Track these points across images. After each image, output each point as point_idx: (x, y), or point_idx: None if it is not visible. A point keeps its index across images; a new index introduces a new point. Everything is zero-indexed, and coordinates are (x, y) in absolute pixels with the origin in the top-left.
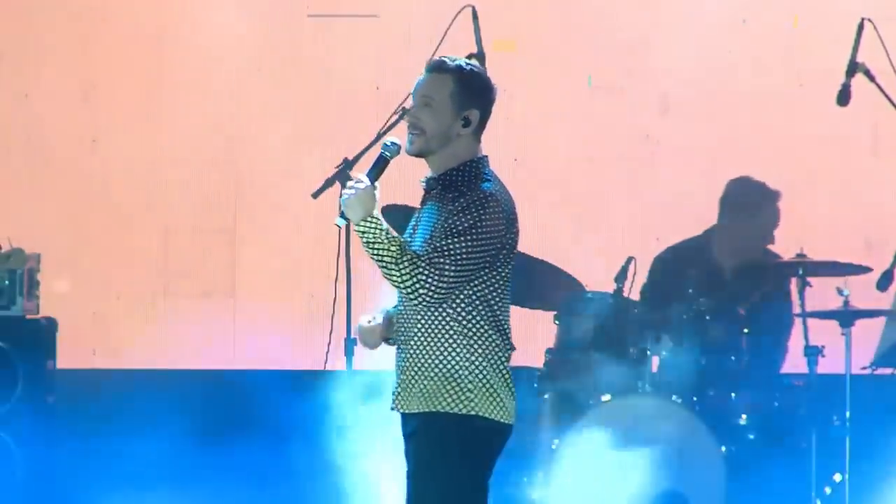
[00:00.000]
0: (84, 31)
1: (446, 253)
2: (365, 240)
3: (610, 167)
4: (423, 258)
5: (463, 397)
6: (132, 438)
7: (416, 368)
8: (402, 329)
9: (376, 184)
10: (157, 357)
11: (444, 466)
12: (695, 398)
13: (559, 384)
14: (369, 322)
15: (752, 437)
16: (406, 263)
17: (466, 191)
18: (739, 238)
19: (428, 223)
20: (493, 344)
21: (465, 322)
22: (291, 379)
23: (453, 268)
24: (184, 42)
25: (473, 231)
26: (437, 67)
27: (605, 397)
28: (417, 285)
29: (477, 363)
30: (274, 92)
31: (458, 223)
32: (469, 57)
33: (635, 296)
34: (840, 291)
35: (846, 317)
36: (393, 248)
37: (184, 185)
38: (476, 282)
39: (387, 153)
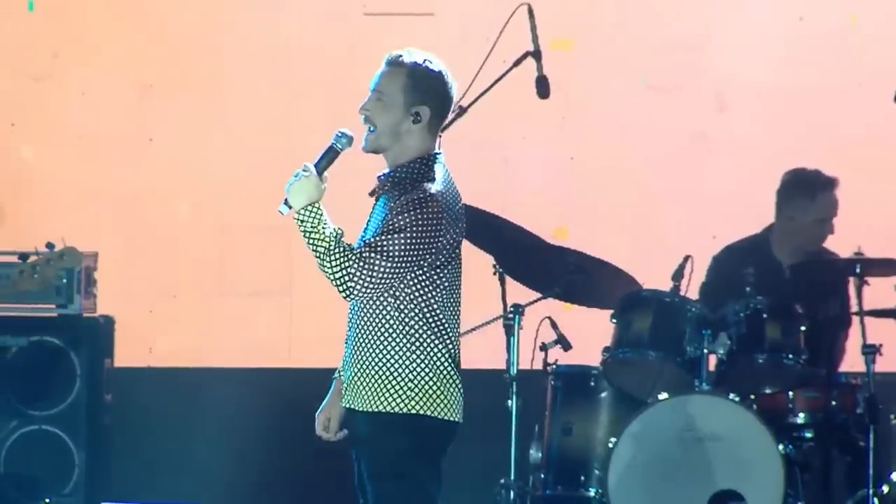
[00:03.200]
0: (140, 30)
1: (378, 249)
2: (302, 229)
3: (666, 165)
4: (354, 253)
5: (404, 396)
6: (189, 437)
7: (359, 366)
8: (350, 327)
9: (325, 175)
10: (213, 355)
11: (398, 466)
12: (752, 397)
13: (616, 383)
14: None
15: (809, 435)
16: (337, 256)
17: (410, 188)
18: (796, 231)
19: (377, 220)
20: (431, 346)
21: (405, 322)
22: None
23: (384, 264)
24: (240, 41)
25: (407, 230)
26: (393, 62)
27: (663, 396)
28: (346, 278)
29: (415, 364)
30: (330, 90)
31: (393, 221)
32: (525, 55)
33: (692, 294)
34: None
35: None
36: (327, 240)
37: (240, 183)
38: (415, 282)
39: (337, 145)
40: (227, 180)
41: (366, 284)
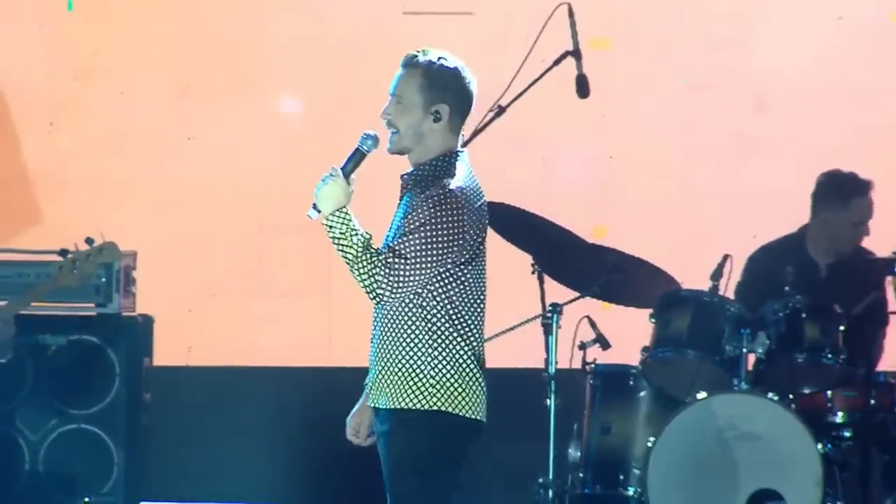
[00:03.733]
0: (179, 29)
1: (402, 254)
2: (330, 234)
3: (705, 165)
4: (380, 259)
5: (426, 393)
6: (227, 436)
7: (383, 363)
8: (374, 325)
9: (352, 177)
10: (252, 354)
11: (417, 463)
12: (791, 396)
13: (655, 382)
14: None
15: (848, 434)
16: (364, 263)
17: (431, 186)
18: (833, 232)
19: (400, 218)
20: (454, 343)
21: (427, 319)
22: None
23: (406, 267)
24: (279, 40)
25: (426, 228)
26: (408, 63)
27: (701, 395)
28: (374, 284)
29: (437, 361)
30: (368, 89)
31: (411, 221)
32: (565, 55)
33: (731, 294)
34: None
35: None
36: (355, 247)
37: (279, 182)
38: (438, 280)
39: (363, 147)
40: (265, 179)
41: (394, 290)
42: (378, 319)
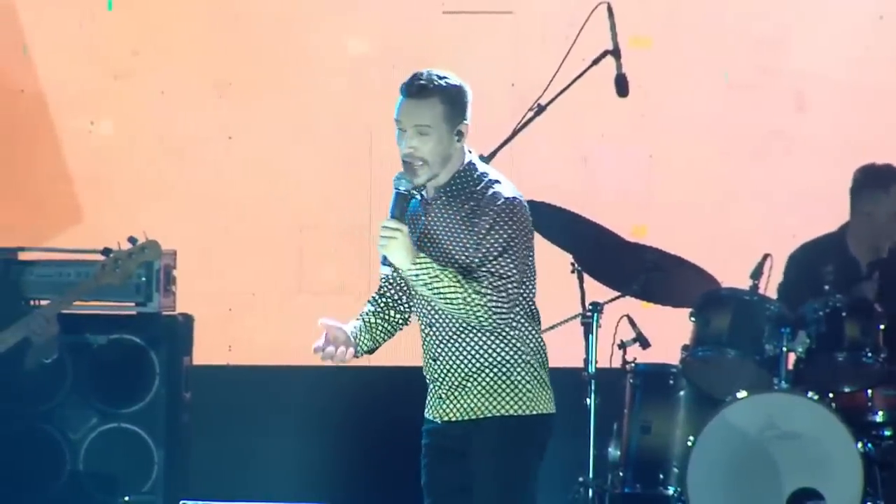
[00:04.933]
0: (219, 29)
1: (502, 275)
2: (421, 282)
3: (746, 164)
4: (483, 284)
5: (524, 398)
6: (268, 435)
7: (465, 372)
8: (438, 336)
9: (405, 218)
10: (291, 353)
11: (525, 469)
12: (831, 395)
13: (695, 381)
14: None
15: (888, 434)
16: (471, 293)
17: (481, 197)
18: (872, 226)
19: (449, 235)
20: (534, 333)
21: (516, 323)
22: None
23: (513, 285)
24: (318, 39)
25: (514, 243)
26: (420, 92)
27: (741, 394)
28: (491, 313)
29: (526, 359)
30: None
31: (497, 242)
32: (604, 54)
33: (771, 293)
34: None
35: None
36: (454, 283)
37: (318, 181)
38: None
39: (400, 188)
40: (306, 179)
41: (510, 310)
42: (441, 331)
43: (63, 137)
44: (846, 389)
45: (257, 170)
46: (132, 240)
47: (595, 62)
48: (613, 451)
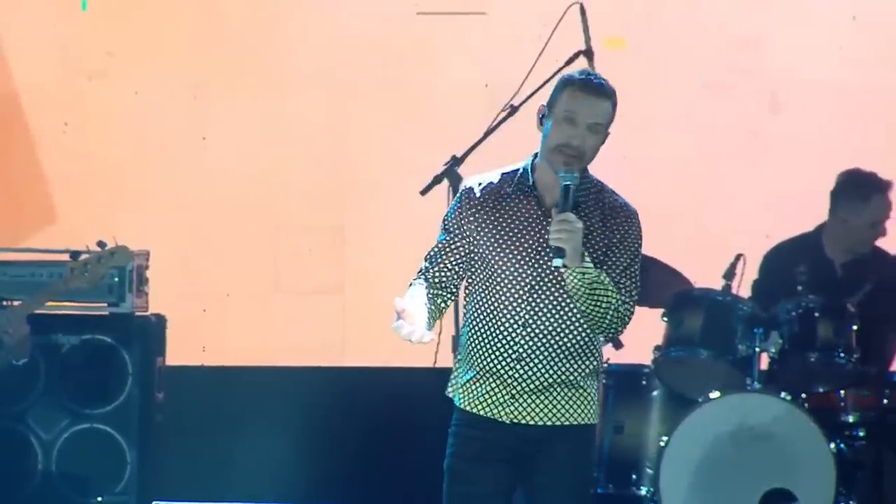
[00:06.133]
0: (193, 30)
1: (637, 284)
2: (586, 281)
3: (719, 164)
4: (624, 294)
5: (596, 407)
6: (241, 436)
7: (556, 377)
8: (532, 336)
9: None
10: (266, 354)
11: (591, 479)
12: (804, 395)
13: (667, 382)
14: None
15: (861, 434)
16: (623, 299)
17: (614, 204)
18: (849, 232)
19: (608, 240)
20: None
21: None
22: (402, 376)
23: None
24: (293, 41)
25: (639, 252)
26: (604, 92)
27: (714, 394)
28: (625, 321)
29: (599, 369)
30: (382, 90)
31: (632, 249)
32: (577, 54)
33: (744, 293)
34: None
35: None
36: (611, 288)
37: (293, 182)
38: None
39: (568, 181)
40: (280, 179)
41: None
42: (544, 335)
43: (37, 138)
44: (819, 390)
45: (232, 170)
46: (101, 244)
47: (568, 62)
48: None
